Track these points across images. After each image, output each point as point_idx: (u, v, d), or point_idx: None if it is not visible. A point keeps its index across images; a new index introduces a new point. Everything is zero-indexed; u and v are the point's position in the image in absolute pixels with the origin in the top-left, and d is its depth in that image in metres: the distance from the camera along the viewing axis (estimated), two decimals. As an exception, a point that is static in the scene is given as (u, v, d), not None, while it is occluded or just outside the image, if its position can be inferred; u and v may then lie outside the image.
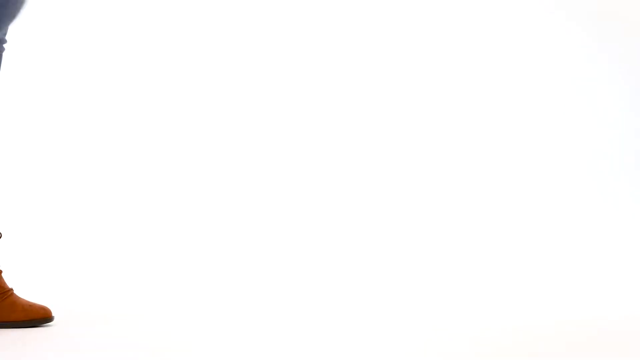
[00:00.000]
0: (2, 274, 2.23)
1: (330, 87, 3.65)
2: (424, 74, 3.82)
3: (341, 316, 2.36)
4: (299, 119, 3.67)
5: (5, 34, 2.18)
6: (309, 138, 3.66)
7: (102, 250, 2.98)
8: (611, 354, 1.96)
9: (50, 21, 3.67)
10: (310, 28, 3.63)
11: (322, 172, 3.63)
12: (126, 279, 2.85)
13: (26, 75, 3.63)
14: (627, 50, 3.85)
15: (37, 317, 2.18)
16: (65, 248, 3.27)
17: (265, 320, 2.25)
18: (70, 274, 3.06)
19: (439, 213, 3.59)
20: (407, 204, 3.63)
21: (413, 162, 3.73)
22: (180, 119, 3.60)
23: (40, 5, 3.67)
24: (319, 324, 2.23)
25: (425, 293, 2.83)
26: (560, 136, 3.78)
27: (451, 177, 3.70)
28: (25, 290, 2.29)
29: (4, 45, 2.21)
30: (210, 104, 3.51)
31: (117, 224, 3.21)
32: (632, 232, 3.49)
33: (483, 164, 3.74)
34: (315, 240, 3.32)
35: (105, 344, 2.02)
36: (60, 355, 1.92)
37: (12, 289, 2.20)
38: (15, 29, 3.46)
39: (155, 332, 2.11)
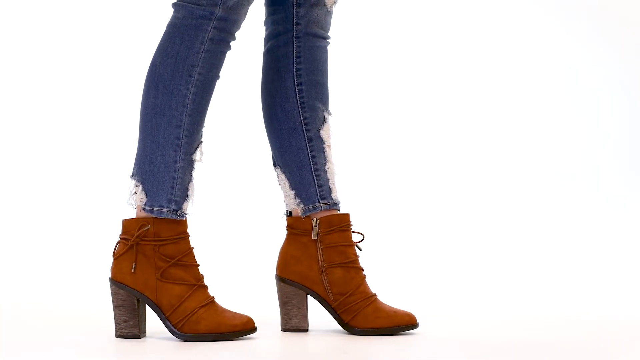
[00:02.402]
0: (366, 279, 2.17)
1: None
2: (424, 74, 3.82)
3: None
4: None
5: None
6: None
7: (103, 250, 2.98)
8: (611, 355, 1.96)
9: (50, 21, 3.66)
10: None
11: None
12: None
13: (25, 75, 3.63)
14: (627, 50, 3.85)
15: (402, 324, 2.10)
16: (63, 248, 3.26)
17: (268, 320, 2.24)
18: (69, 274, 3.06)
19: (438, 213, 3.59)
20: (407, 204, 3.63)
21: (413, 162, 3.73)
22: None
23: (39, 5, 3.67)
24: (320, 325, 2.23)
25: (424, 293, 2.83)
26: (560, 136, 3.78)
27: (450, 177, 3.70)
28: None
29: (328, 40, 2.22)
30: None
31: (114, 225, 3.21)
32: (633, 232, 3.49)
33: (483, 163, 3.74)
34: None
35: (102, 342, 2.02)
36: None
37: (375, 294, 2.13)
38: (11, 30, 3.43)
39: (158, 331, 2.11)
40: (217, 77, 2.05)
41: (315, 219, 2.14)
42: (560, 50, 3.83)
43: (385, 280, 2.55)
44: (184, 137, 2.02)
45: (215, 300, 2.04)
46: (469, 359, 1.89)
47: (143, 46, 3.52)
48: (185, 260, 2.03)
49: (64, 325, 2.24)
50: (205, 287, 2.04)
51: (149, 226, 2.01)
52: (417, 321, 2.11)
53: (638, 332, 2.24)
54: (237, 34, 2.05)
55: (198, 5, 2.01)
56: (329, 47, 2.21)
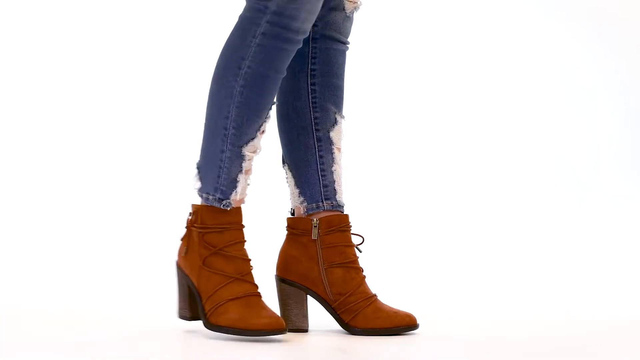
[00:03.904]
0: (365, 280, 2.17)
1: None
2: (423, 74, 3.82)
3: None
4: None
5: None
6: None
7: (104, 251, 2.98)
8: (611, 355, 1.96)
9: (50, 21, 3.67)
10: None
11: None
12: (124, 279, 2.85)
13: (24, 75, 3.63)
14: (627, 50, 3.85)
15: (402, 325, 2.10)
16: (63, 248, 3.26)
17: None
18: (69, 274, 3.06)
19: (438, 213, 3.59)
20: (407, 204, 3.63)
21: (413, 161, 3.73)
22: (177, 119, 3.60)
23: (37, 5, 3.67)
24: (320, 325, 2.23)
25: (424, 293, 2.83)
26: (560, 136, 3.78)
27: (450, 177, 3.70)
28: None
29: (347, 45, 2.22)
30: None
31: (115, 225, 3.21)
32: (633, 232, 3.49)
33: (483, 163, 3.74)
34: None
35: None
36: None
37: (375, 295, 2.14)
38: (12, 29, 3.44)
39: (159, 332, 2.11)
40: (274, 72, 2.01)
41: (315, 219, 2.14)
42: (560, 50, 3.83)
43: (385, 280, 2.55)
44: (231, 128, 2.02)
45: (258, 296, 2.01)
46: (469, 359, 1.89)
47: (153, 44, 3.53)
48: (229, 251, 2.03)
49: (64, 325, 2.24)
50: (247, 282, 2.02)
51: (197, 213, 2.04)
52: (418, 322, 2.11)
53: (638, 332, 2.24)
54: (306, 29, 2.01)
55: None
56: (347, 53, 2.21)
